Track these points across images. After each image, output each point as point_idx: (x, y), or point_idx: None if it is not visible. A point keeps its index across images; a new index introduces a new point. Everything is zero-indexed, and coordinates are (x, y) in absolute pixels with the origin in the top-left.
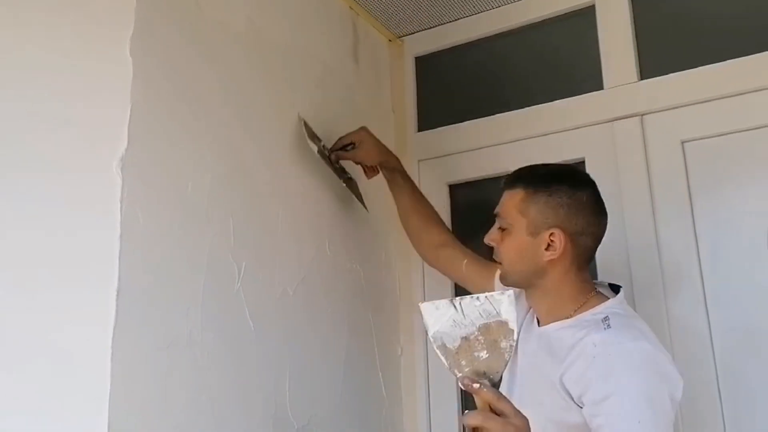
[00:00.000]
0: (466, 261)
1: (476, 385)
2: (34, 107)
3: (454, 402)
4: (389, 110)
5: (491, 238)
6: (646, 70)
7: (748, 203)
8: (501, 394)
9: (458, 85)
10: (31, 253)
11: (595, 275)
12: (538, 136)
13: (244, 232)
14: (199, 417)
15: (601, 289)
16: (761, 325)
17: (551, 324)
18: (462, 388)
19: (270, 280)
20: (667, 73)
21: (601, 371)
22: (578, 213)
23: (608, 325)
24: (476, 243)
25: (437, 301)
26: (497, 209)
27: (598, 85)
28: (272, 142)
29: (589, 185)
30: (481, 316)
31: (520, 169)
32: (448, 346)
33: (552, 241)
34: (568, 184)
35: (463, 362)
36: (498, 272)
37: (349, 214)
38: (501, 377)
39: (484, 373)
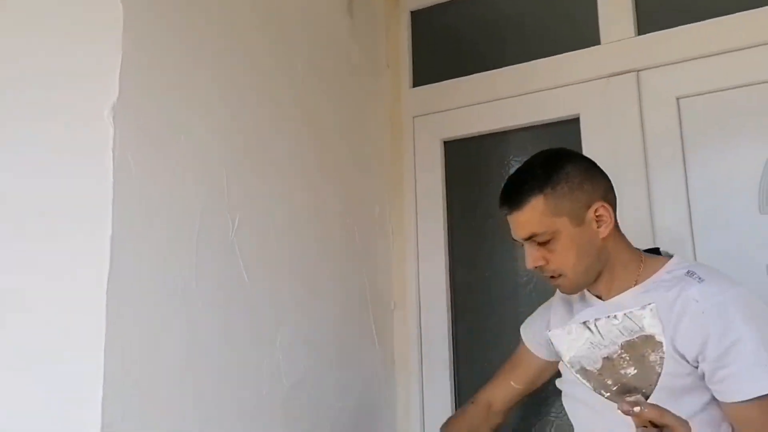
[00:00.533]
0: (511, 381)
1: (637, 409)
2: (23, 56)
3: (446, 353)
4: (384, 66)
5: (536, 259)
6: (643, 26)
7: (741, 160)
8: (661, 408)
9: (454, 40)
10: (24, 201)
11: None
12: (534, 92)
13: (238, 184)
14: (191, 369)
15: (643, 253)
16: (748, 284)
17: (622, 294)
18: (622, 413)
19: (264, 232)
20: (664, 29)
21: (715, 324)
22: (593, 178)
23: (699, 278)
24: (468, 199)
25: (567, 326)
26: (525, 233)
27: (594, 41)
28: (267, 95)
29: (570, 151)
30: (622, 334)
31: (511, 185)
32: (588, 368)
33: (599, 215)
34: (567, 163)
35: (609, 381)
36: (522, 349)
37: (344, 170)
38: (653, 390)
39: (635, 388)
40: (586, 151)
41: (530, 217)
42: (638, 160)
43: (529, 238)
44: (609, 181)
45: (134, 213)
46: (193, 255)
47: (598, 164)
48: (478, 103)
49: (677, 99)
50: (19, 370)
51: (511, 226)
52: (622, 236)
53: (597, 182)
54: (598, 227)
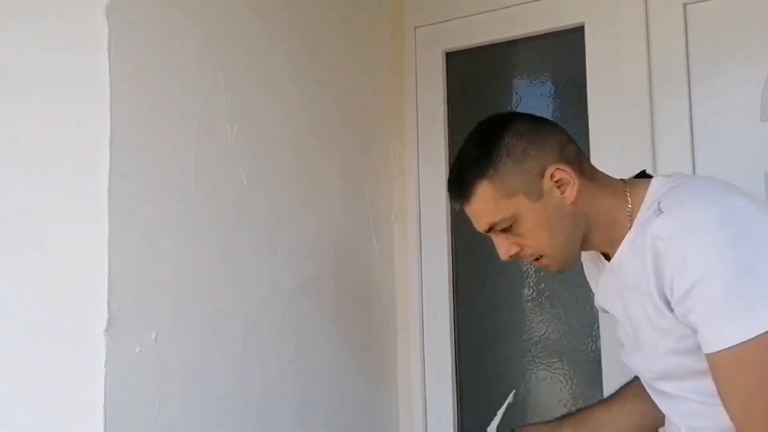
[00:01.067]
0: None
1: None
2: None
3: (445, 265)
4: None
5: (507, 248)
6: None
7: (746, 71)
8: None
9: None
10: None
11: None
12: (538, 0)
13: (236, 90)
14: (191, 272)
15: (629, 182)
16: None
17: (618, 253)
18: None
19: (263, 140)
20: None
21: (673, 263)
22: (540, 139)
23: (659, 210)
24: (471, 113)
25: None
26: (483, 225)
27: None
28: (265, 3)
29: (512, 115)
30: None
31: (453, 175)
32: None
33: (557, 180)
34: (504, 133)
35: None
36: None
37: (344, 82)
38: None
39: None
40: (590, 62)
41: (483, 207)
42: (642, 69)
43: (491, 229)
44: (562, 133)
45: (132, 117)
46: (192, 160)
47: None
48: (481, 12)
49: (684, 5)
50: (25, 269)
51: (470, 218)
52: (599, 182)
53: (545, 142)
54: (561, 193)
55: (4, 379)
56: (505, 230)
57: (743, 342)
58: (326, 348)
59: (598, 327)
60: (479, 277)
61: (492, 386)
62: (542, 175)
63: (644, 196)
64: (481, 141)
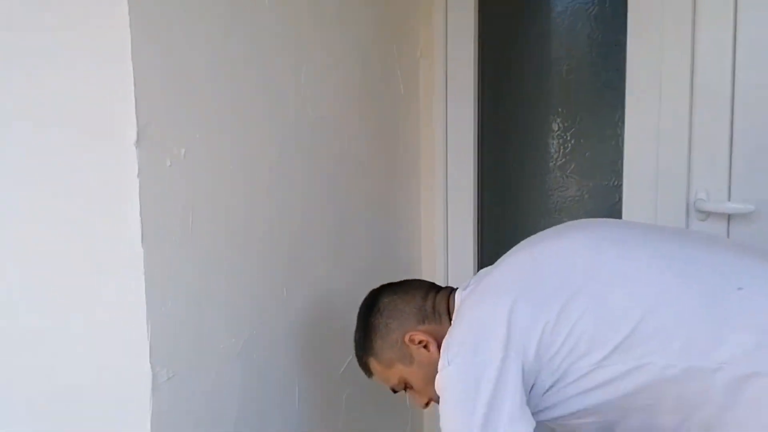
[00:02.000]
0: None
1: None
2: None
3: (470, 110)
4: None
5: (419, 401)
6: None
7: None
8: None
9: None
10: None
11: None
12: None
13: None
14: (221, 88)
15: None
16: None
17: None
18: None
19: None
20: None
21: None
22: (396, 310)
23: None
24: None
25: None
26: (389, 387)
27: None
28: None
29: (378, 292)
30: None
31: (356, 358)
32: None
33: (420, 341)
34: (370, 314)
35: None
36: None
37: None
38: None
39: None
40: None
41: (379, 377)
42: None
43: (395, 391)
44: (421, 293)
45: None
46: None
47: None
48: None
49: None
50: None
51: None
52: (440, 317)
53: (402, 312)
54: (428, 351)
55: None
56: (407, 389)
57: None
58: (350, 177)
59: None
60: (503, 115)
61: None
62: (404, 343)
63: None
64: (359, 325)
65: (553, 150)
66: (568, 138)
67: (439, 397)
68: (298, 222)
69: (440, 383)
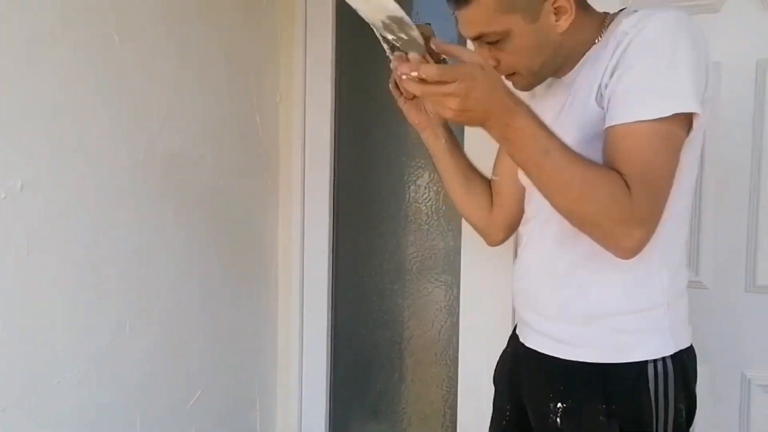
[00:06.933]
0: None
1: (414, 73)
2: None
3: (327, 149)
4: None
5: (486, 60)
6: None
7: None
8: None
9: None
10: None
11: None
12: None
13: None
14: (59, 126)
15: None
16: None
17: (575, 67)
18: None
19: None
20: None
21: (630, 45)
22: None
23: (634, 10)
24: None
25: None
26: (473, 32)
27: None
28: None
29: None
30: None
31: None
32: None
33: (557, 7)
34: None
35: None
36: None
37: None
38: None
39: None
40: None
41: (477, 15)
42: None
43: (478, 38)
44: None
45: None
46: (57, 13)
47: None
48: None
49: None
50: None
51: (459, 22)
52: (588, 14)
53: None
54: (556, 20)
55: None
56: (491, 42)
57: (648, 119)
58: (204, 218)
59: None
60: (358, 150)
61: (364, 255)
62: (543, 0)
63: (616, 19)
64: None
65: (409, 196)
66: (426, 185)
67: (507, 69)
68: (145, 256)
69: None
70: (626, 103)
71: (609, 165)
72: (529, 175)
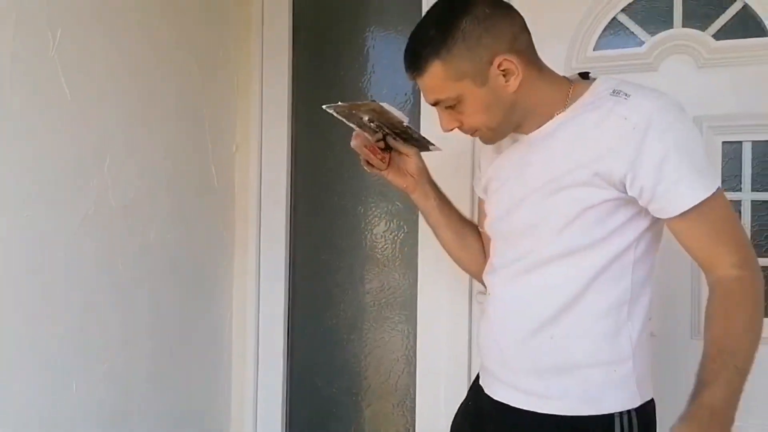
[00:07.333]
0: (479, 228)
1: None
2: None
3: (283, 199)
4: None
5: (449, 122)
6: None
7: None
8: None
9: None
10: None
11: None
12: None
13: None
14: (11, 190)
15: (573, 79)
16: None
17: (544, 126)
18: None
19: (88, 49)
20: None
21: (647, 137)
22: (494, 27)
23: (625, 95)
24: (316, 45)
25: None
26: (431, 99)
27: None
28: None
29: (469, 2)
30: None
31: (409, 50)
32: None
33: (504, 69)
34: (463, 18)
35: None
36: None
37: (186, 3)
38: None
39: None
40: (425, 7)
41: (432, 83)
42: None
43: (437, 103)
44: (518, 23)
45: None
46: (6, 66)
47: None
48: None
49: None
50: None
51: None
52: (544, 74)
53: (499, 32)
54: (506, 82)
55: None
56: (449, 107)
57: (706, 198)
58: (157, 271)
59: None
60: (315, 197)
61: (321, 309)
62: (491, 64)
63: (588, 89)
64: (439, 21)
65: (366, 245)
66: (383, 234)
67: (470, 128)
68: (94, 311)
69: (671, 112)
70: (678, 192)
71: (701, 248)
72: None
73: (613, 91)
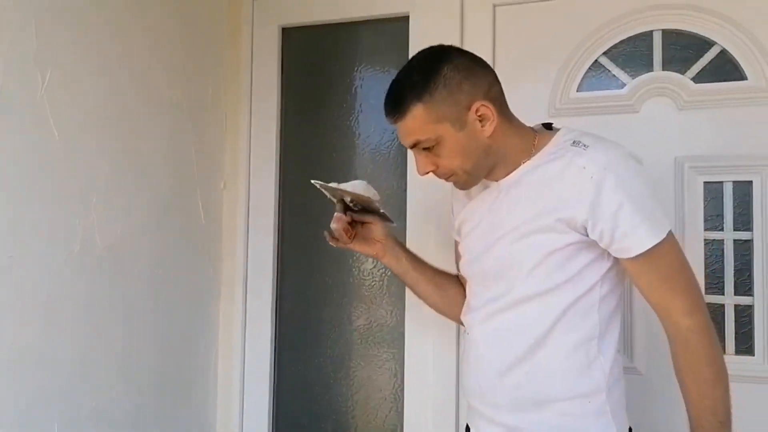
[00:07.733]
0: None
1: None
2: None
3: (271, 237)
4: None
5: (425, 165)
6: None
7: (543, 72)
8: None
9: None
10: None
11: None
12: None
13: (51, 36)
14: None
15: (537, 129)
16: None
17: (512, 174)
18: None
19: (77, 90)
20: None
21: (605, 185)
22: (473, 76)
23: (584, 146)
24: (305, 88)
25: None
26: (409, 141)
27: None
28: None
29: (450, 49)
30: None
31: (392, 94)
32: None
33: (480, 115)
34: (445, 65)
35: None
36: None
37: (172, 41)
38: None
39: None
40: (412, 50)
41: (412, 126)
42: None
43: (415, 146)
44: (492, 74)
45: None
46: None
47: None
48: None
49: (494, 6)
50: None
51: (398, 133)
52: (513, 123)
53: (477, 80)
54: (482, 126)
55: None
56: (426, 149)
57: (659, 242)
58: (143, 310)
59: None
60: (302, 233)
61: (309, 340)
62: (469, 109)
63: (551, 139)
64: (422, 68)
65: (353, 283)
66: (369, 271)
67: (446, 171)
68: (79, 352)
69: (626, 169)
70: (634, 237)
71: (652, 292)
72: None
73: (573, 142)
